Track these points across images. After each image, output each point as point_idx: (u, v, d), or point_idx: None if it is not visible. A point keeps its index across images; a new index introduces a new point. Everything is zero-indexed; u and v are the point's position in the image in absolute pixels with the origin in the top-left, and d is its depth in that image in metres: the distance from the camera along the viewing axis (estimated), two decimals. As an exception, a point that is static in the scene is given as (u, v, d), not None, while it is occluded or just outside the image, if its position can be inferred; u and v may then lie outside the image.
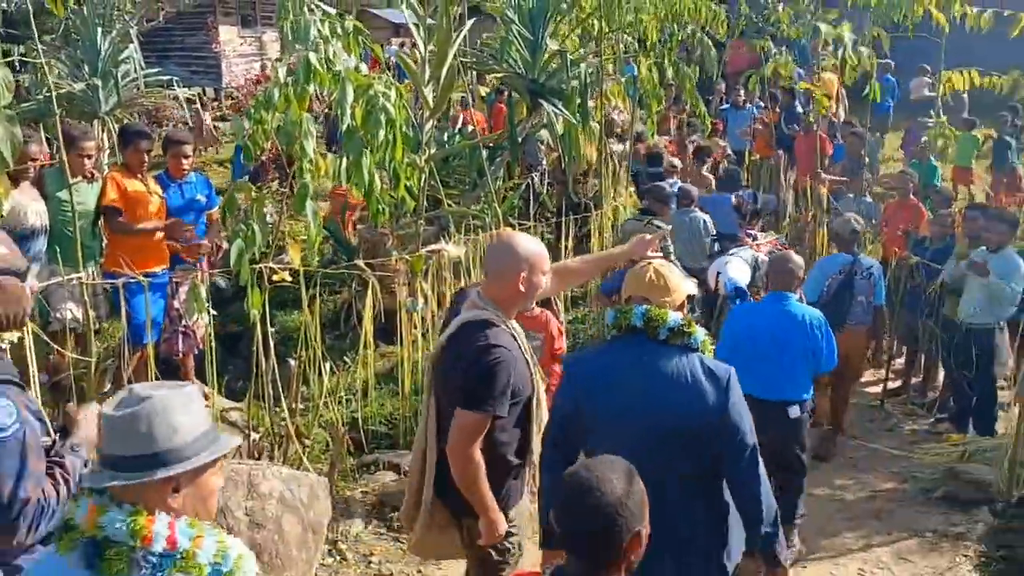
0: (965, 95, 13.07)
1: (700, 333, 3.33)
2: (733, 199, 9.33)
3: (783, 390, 5.30)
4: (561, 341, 5.42)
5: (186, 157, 6.48)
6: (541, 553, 3.39)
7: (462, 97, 12.66)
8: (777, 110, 13.50)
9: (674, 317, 3.29)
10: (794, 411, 5.32)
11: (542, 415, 3.59)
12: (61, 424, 3.03)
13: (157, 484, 2.05)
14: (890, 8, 7.06)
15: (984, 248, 6.95)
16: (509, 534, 3.52)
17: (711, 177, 10.84)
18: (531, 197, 10.26)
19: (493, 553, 3.54)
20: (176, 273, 6.18)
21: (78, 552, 2.02)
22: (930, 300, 7.51)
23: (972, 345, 6.88)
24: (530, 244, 3.52)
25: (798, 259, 5.65)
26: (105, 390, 5.60)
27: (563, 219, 9.32)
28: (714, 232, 8.49)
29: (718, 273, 6.93)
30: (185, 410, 2.11)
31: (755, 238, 8.30)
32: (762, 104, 13.88)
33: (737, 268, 6.84)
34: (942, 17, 6.77)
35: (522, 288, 3.43)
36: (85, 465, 2.81)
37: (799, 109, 13.05)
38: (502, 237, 3.81)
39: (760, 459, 3.22)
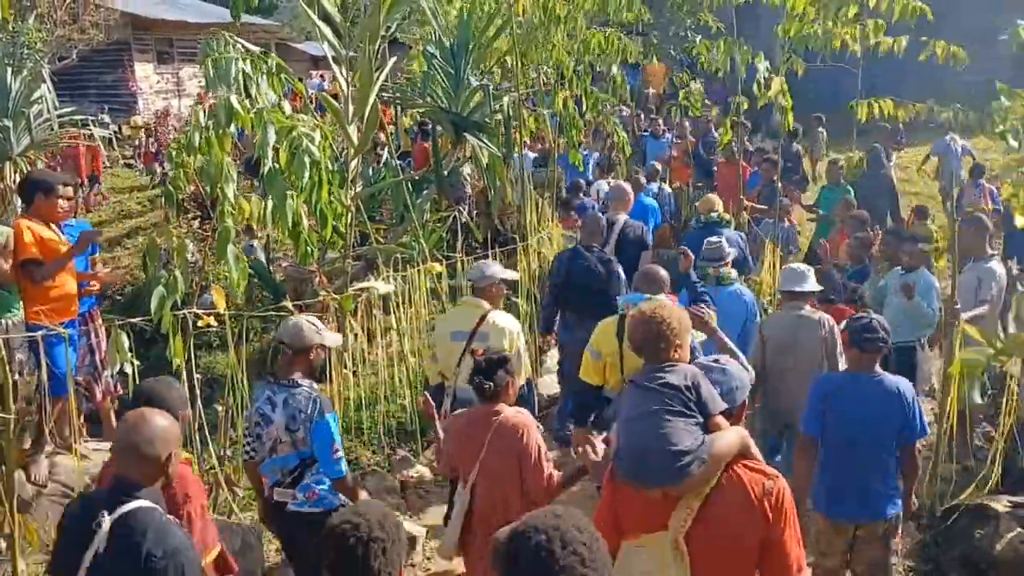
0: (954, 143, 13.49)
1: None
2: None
3: None
4: None
5: (68, 199, 6.19)
6: None
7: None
8: (692, 138, 13.80)
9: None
10: None
11: None
12: None
13: None
14: (807, 39, 7.28)
15: (899, 269, 7.17)
16: None
17: None
18: (458, 229, 10.28)
19: None
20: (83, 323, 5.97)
21: None
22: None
23: (894, 363, 7.06)
24: None
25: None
26: (26, 446, 5.42)
27: (490, 250, 9.34)
28: None
29: None
30: None
31: None
32: (677, 136, 14.20)
33: None
34: (857, 48, 7.01)
35: None
36: None
37: (715, 137, 13.36)
38: None
39: None
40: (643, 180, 11.06)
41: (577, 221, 9.28)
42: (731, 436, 3.14)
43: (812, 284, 5.99)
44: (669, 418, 3.10)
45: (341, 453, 4.40)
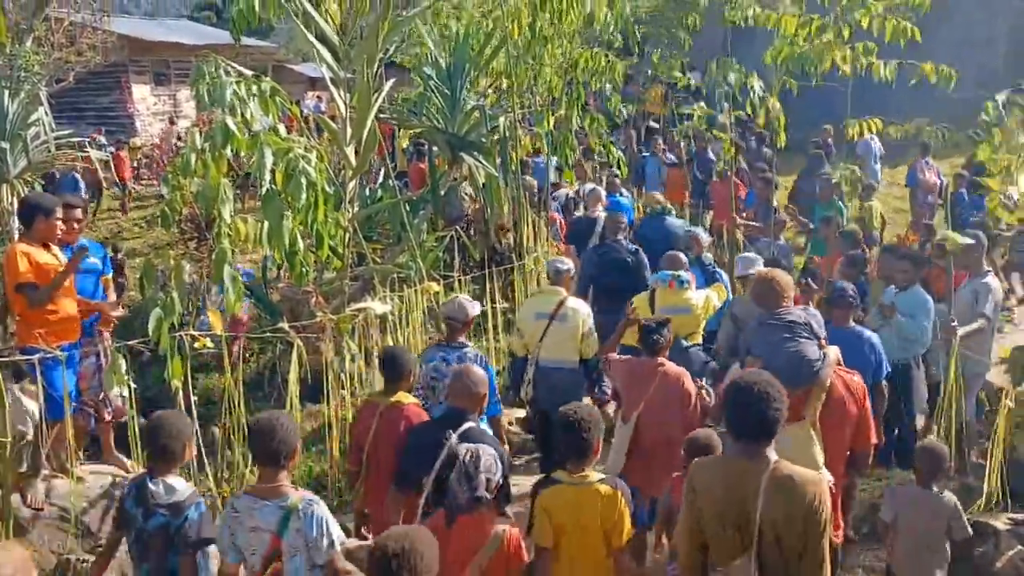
0: (873, 142, 14.38)
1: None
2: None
3: None
4: None
5: (77, 221, 6.16)
6: None
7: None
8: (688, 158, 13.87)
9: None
10: None
11: None
12: None
13: None
14: (799, 60, 7.35)
15: (893, 287, 7.17)
16: None
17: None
18: (456, 249, 10.29)
19: None
20: (84, 346, 5.93)
21: None
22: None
23: (890, 382, 7.04)
24: None
25: None
26: (22, 469, 5.39)
27: (487, 270, 9.35)
28: None
29: None
30: None
31: None
32: (673, 158, 14.27)
33: None
34: (848, 69, 7.08)
35: None
36: None
37: (711, 156, 13.40)
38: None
39: None
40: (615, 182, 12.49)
41: (556, 217, 11.31)
42: (833, 351, 4.89)
43: (761, 265, 7.31)
44: (800, 341, 4.73)
45: (499, 397, 5.65)
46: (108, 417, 6.05)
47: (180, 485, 4.02)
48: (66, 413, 5.20)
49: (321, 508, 3.78)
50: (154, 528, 3.95)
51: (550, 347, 6.78)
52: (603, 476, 4.14)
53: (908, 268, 7.16)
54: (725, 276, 8.09)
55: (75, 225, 6.02)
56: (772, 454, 3.45)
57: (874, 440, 4.96)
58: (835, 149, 15.55)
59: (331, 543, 3.77)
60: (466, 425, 4.53)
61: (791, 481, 3.38)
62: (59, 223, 5.70)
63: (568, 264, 7.18)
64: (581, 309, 6.88)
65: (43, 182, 14.88)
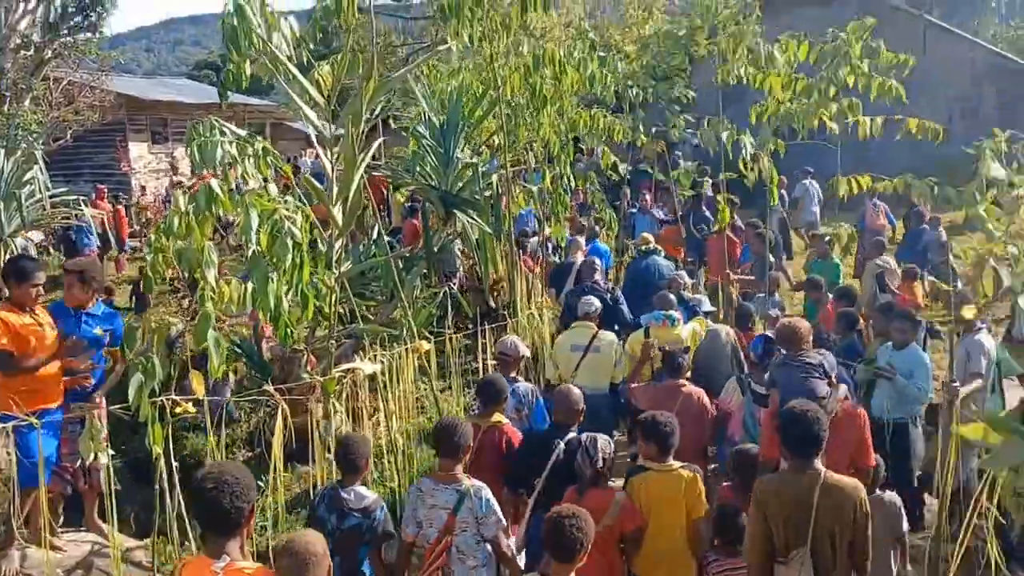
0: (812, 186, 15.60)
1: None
2: None
3: None
4: None
5: (84, 284, 6.09)
6: None
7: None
8: (680, 213, 13.87)
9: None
10: None
11: None
12: None
13: None
14: (787, 119, 7.38)
15: (890, 345, 7.09)
16: None
17: None
18: (449, 305, 10.23)
19: None
20: (68, 411, 5.83)
21: None
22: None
23: (887, 441, 6.93)
24: None
25: None
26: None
27: (480, 327, 9.28)
28: None
29: None
30: None
31: None
32: (662, 215, 14.29)
33: None
34: (835, 126, 7.10)
35: None
36: None
37: (706, 211, 13.38)
38: None
39: None
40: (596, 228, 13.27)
41: (529, 260, 11.73)
42: (842, 389, 5.77)
43: (709, 305, 8.85)
44: (813, 380, 5.69)
45: (549, 422, 6.29)
46: (83, 486, 5.93)
47: (366, 492, 4.95)
48: (41, 481, 5.07)
49: (488, 492, 4.82)
50: (348, 528, 4.81)
51: (584, 375, 7.52)
52: (684, 464, 5.18)
53: (905, 327, 7.08)
54: (707, 304, 9.12)
55: (79, 292, 5.97)
56: (820, 465, 4.42)
57: (871, 462, 5.67)
58: (787, 196, 16.08)
59: (498, 520, 4.76)
60: (570, 435, 5.56)
61: (839, 487, 4.37)
62: (35, 289, 5.67)
63: (596, 304, 8.00)
64: (612, 339, 7.78)
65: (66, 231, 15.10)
